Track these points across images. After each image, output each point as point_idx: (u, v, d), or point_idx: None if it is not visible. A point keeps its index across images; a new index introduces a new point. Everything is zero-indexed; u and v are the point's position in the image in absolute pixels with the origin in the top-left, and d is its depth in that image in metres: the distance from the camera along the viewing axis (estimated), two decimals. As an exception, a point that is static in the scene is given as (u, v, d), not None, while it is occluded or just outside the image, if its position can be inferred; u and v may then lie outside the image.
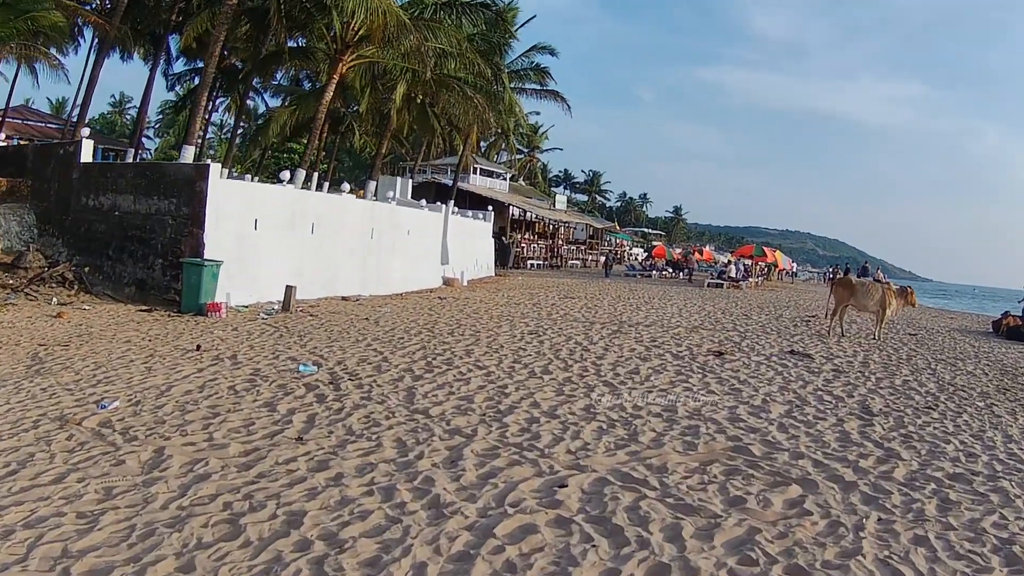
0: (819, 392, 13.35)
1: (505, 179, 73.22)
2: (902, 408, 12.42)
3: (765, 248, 64.58)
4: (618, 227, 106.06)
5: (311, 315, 19.81)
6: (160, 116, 78.07)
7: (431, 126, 40.98)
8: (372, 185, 37.10)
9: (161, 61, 38.96)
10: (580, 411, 10.77)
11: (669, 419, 10.55)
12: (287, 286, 20.70)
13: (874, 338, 22.64)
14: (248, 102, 54.24)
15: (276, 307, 20.48)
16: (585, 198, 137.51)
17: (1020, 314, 31.17)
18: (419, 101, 37.82)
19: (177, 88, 44.75)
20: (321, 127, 32.16)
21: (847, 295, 22.77)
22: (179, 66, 42.19)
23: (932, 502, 7.69)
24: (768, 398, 12.49)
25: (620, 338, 19.03)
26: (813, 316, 29.72)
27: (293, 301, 20.52)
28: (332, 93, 29.93)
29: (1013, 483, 8.49)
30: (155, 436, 8.51)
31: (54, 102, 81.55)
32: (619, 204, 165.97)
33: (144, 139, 71.76)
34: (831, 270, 75.23)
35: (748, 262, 57.31)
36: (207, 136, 63.32)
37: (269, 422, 9.35)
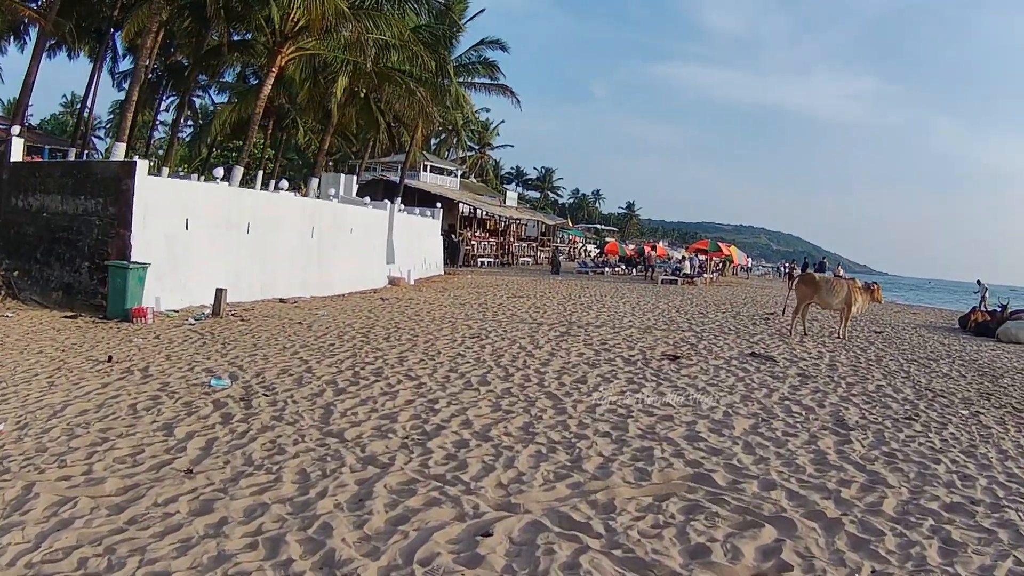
0: (786, 402, 12.18)
1: (456, 176, 72.17)
2: (880, 420, 11.25)
3: (720, 243, 64.24)
4: (571, 223, 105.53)
5: (242, 320, 18.60)
6: (111, 116, 76.16)
7: (376, 121, 39.88)
8: (314, 182, 36.05)
9: (107, 59, 38.24)
10: (517, 431, 9.48)
11: (619, 439, 9.27)
12: (217, 289, 19.45)
13: (839, 337, 21.77)
14: (196, 100, 53.17)
15: (207, 312, 19.20)
16: (538, 195, 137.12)
17: (985, 308, 30.86)
18: (362, 95, 36.88)
19: (125, 86, 43.47)
20: (263, 123, 31.12)
21: (810, 293, 21.81)
22: (126, 64, 41.22)
23: (933, 544, 6.42)
24: (730, 410, 11.27)
25: (568, 341, 17.88)
26: (772, 313, 29.00)
27: (224, 305, 19.29)
28: (270, 88, 28.86)
29: (1021, 514, 7.28)
30: (30, 468, 7.26)
31: (6, 103, 79.51)
32: (572, 201, 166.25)
33: (95, 139, 70.45)
34: (788, 265, 74.73)
35: (703, 258, 56.75)
36: (157, 136, 62.06)
37: (161, 449, 8.08)
